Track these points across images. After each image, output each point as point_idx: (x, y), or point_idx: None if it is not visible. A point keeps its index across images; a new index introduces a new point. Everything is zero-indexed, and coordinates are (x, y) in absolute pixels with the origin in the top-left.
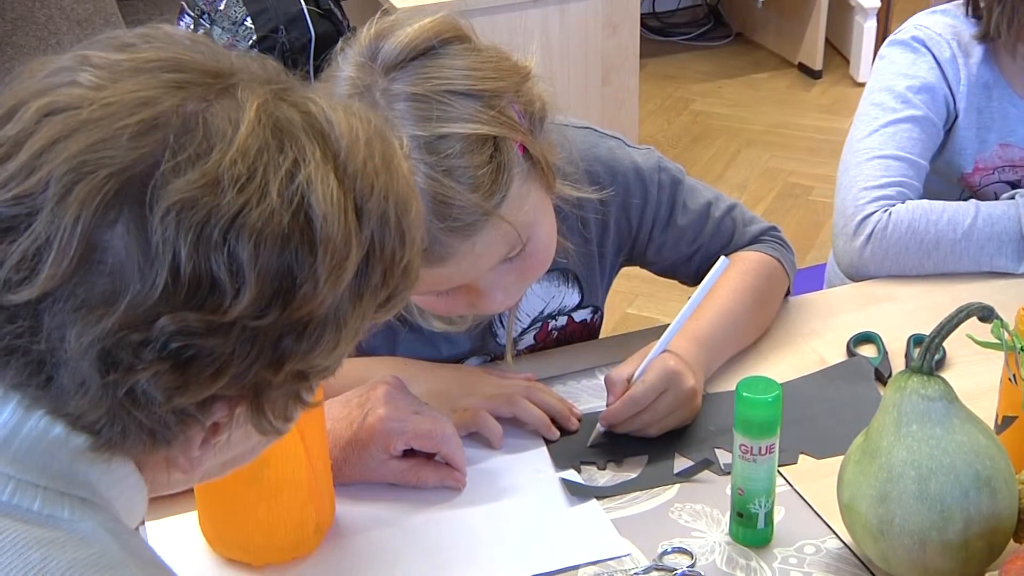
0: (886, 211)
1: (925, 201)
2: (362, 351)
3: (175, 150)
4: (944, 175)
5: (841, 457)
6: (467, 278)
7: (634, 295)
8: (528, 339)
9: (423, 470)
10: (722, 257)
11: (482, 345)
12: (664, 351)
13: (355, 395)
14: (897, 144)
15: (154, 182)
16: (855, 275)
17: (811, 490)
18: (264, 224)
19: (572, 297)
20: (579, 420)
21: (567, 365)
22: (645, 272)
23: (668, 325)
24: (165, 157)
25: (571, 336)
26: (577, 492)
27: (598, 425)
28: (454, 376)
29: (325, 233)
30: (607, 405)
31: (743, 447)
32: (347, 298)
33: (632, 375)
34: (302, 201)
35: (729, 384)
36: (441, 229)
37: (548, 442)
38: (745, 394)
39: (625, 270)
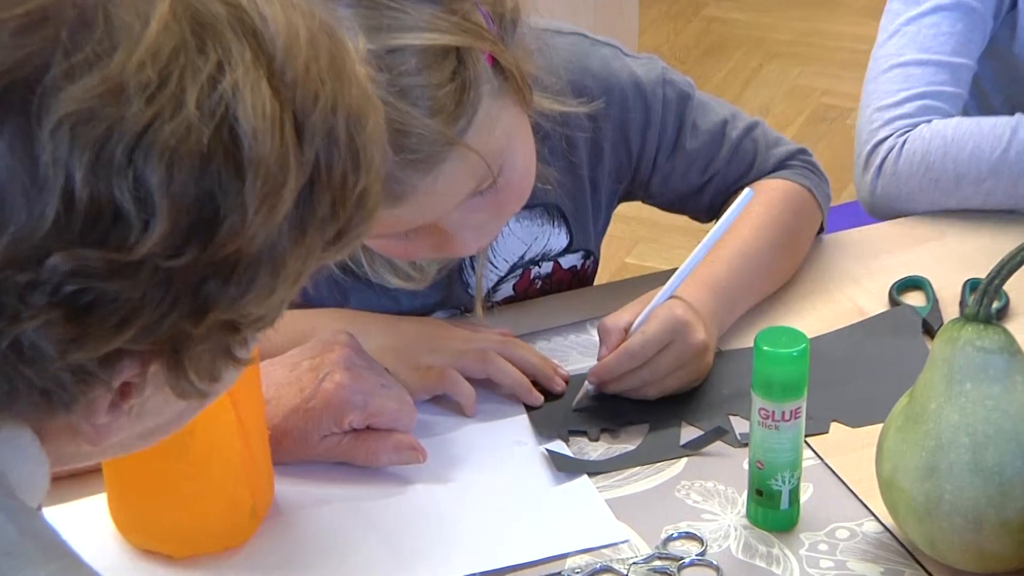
0: (902, 136)
1: (953, 121)
2: (306, 302)
3: (68, 49)
4: (1009, 74)
5: (880, 425)
6: (430, 218)
7: (634, 240)
8: (506, 289)
9: (375, 444)
10: (747, 189)
11: (449, 295)
12: (671, 298)
13: (304, 356)
14: (920, 45)
15: (42, 88)
16: (872, 213)
17: (845, 464)
18: (179, 142)
19: (559, 239)
20: (566, 382)
21: (552, 318)
22: (647, 214)
23: (676, 270)
24: (56, 58)
25: (558, 286)
26: (564, 467)
27: (586, 383)
28: (415, 329)
29: (255, 153)
30: (599, 359)
31: (763, 412)
32: (286, 233)
33: (631, 324)
34: (226, 113)
35: (747, 339)
36: (397, 162)
37: (529, 409)
38: (765, 348)
39: (623, 211)
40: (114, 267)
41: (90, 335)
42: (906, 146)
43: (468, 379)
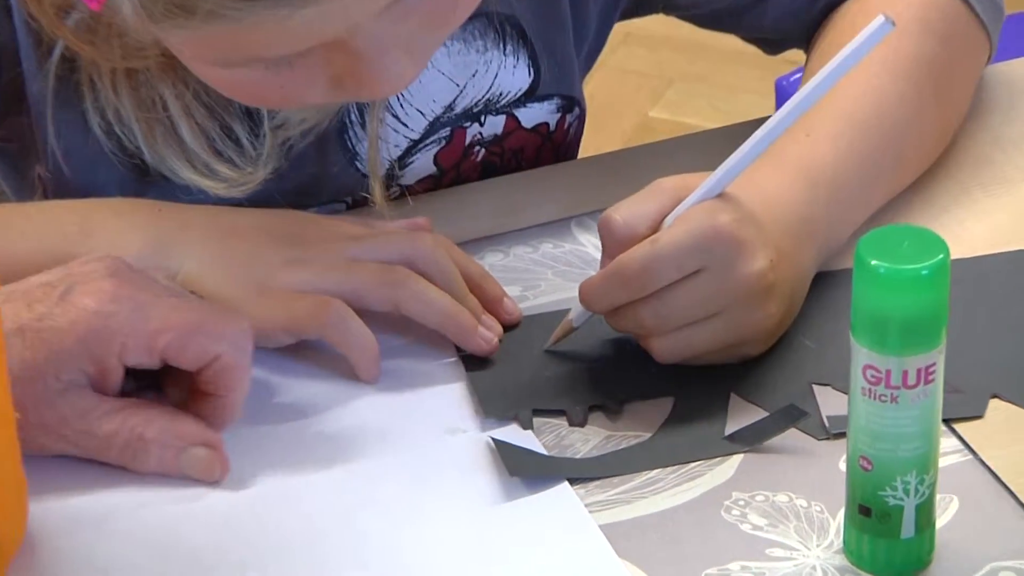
0: None
1: None
2: (65, 186)
3: None
4: None
5: None
6: (337, 25)
7: (664, 80)
8: (424, 162)
9: (148, 426)
10: (880, 16)
11: (321, 177)
12: (722, 193)
13: (40, 282)
14: None
15: None
16: None
17: (1013, 465)
18: None
19: (515, 75)
20: (508, 327)
21: (506, 213)
22: (687, 32)
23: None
24: None
25: (516, 159)
26: (526, 468)
27: (573, 308)
28: (267, 227)
29: None
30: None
31: (871, 374)
32: None
33: (656, 221)
34: None
35: (841, 253)
36: None
37: (469, 367)
38: (873, 262)
39: (643, 27)
40: None
41: None
42: None
43: (363, 314)
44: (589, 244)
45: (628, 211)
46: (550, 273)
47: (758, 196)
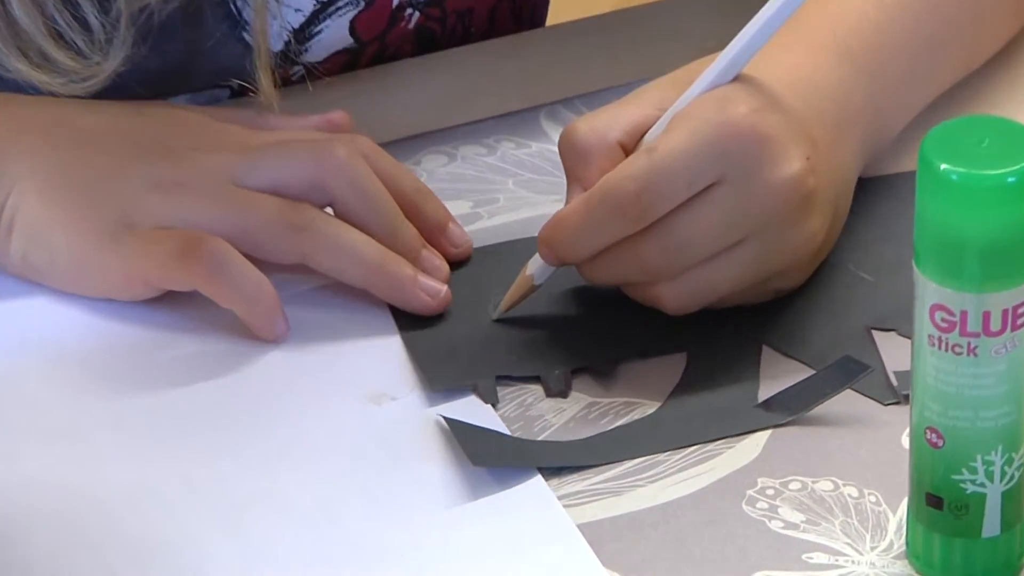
0: None
1: None
2: None
3: None
4: None
5: None
6: None
7: None
8: (334, 32)
9: None
10: None
11: (194, 50)
12: (736, 79)
13: None
14: None
15: None
16: None
17: None
18: None
19: None
20: (456, 264)
21: (450, 103)
22: None
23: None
24: None
25: (461, 26)
26: (493, 455)
27: (531, 261)
28: (124, 130)
29: None
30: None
31: (940, 314)
32: None
33: (639, 129)
34: None
35: (903, 152)
36: None
37: (404, 326)
38: (943, 166)
39: None
40: None
41: None
42: None
43: (254, 260)
44: (553, 150)
45: (595, 123)
46: (511, 183)
47: (782, 76)
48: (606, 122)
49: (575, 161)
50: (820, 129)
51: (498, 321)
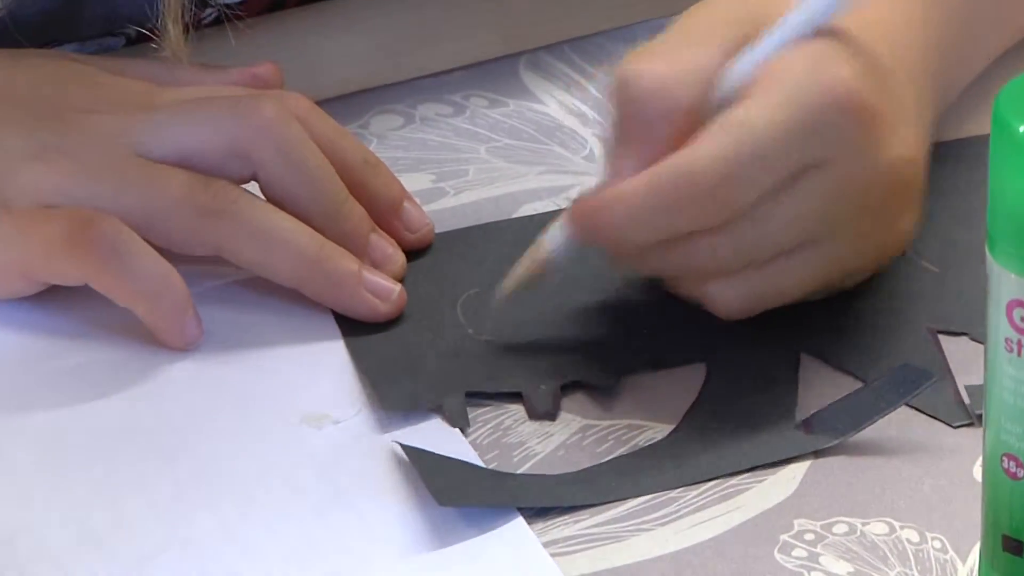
0: None
1: None
2: None
3: None
4: None
5: None
6: None
7: None
8: None
9: None
10: None
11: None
12: (828, 24)
13: None
14: None
15: None
16: None
17: None
18: None
19: None
20: (411, 250)
21: (404, 51)
22: None
23: None
24: None
25: None
26: (463, 493)
27: (552, 233)
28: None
29: None
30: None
31: (1020, 312)
32: None
33: (703, 84)
34: None
35: (966, 114)
36: None
37: (348, 331)
38: (1023, 128)
39: None
40: None
41: None
42: None
43: (160, 248)
44: (551, 99)
45: (664, 67)
46: (483, 150)
47: (876, 28)
48: (675, 74)
49: (637, 123)
50: (912, 97)
51: (472, 325)
